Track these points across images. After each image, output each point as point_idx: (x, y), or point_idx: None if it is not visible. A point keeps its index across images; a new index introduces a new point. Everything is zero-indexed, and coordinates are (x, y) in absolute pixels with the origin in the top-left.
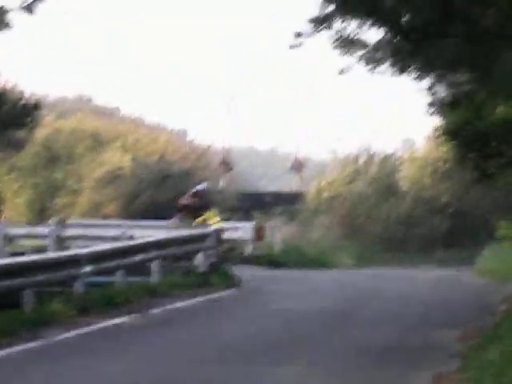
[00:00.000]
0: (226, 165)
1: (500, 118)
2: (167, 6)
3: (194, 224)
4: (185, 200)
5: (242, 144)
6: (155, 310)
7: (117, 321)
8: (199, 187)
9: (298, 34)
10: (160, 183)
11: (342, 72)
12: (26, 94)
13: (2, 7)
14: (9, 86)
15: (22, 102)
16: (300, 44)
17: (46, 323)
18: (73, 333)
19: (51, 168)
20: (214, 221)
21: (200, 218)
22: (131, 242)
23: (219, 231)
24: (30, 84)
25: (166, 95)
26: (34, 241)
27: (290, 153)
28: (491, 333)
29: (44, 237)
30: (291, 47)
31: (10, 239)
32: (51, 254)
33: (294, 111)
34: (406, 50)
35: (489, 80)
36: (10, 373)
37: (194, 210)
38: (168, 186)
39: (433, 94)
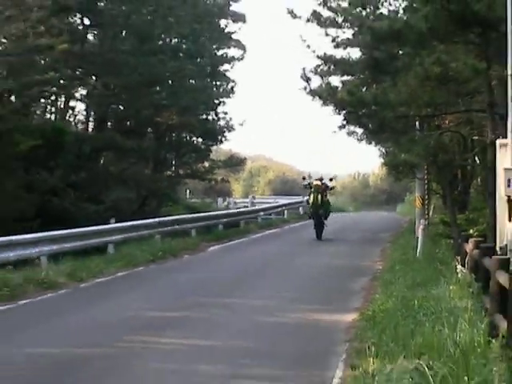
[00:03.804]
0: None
1: (402, 159)
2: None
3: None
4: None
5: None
6: (286, 227)
7: (271, 231)
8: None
9: (334, 132)
10: (284, 185)
11: (346, 147)
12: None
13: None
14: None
15: (238, 156)
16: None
17: (248, 232)
18: (257, 235)
19: (250, 179)
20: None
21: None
22: (277, 203)
23: (308, 199)
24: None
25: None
26: (243, 203)
27: (332, 173)
28: (400, 234)
29: (247, 202)
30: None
31: (235, 203)
32: (249, 208)
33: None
34: (368, 135)
35: (398, 146)
36: (226, 252)
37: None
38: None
39: (379, 150)
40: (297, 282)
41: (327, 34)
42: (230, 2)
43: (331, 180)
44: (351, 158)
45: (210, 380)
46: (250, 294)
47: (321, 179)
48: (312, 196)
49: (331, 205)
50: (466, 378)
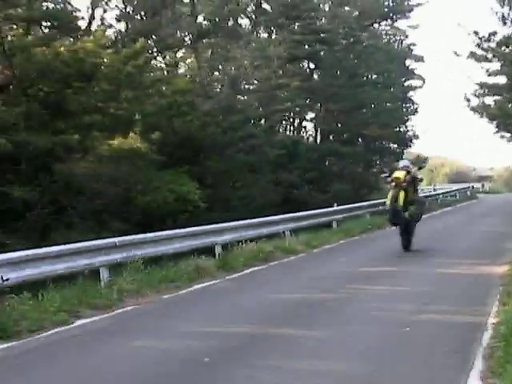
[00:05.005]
0: (473, 170)
1: None
2: None
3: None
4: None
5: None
6: (457, 205)
7: (447, 209)
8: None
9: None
10: (456, 175)
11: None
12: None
13: None
14: None
15: (422, 156)
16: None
17: (431, 210)
18: (437, 212)
19: (432, 173)
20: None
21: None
22: (451, 189)
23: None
24: None
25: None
26: (428, 189)
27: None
28: None
29: (430, 188)
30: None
31: (421, 190)
32: (432, 193)
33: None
34: None
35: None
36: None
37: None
38: (459, 177)
39: None
40: (464, 243)
41: (482, 67)
42: (412, 47)
43: (420, 169)
44: (504, 154)
45: (403, 314)
46: (433, 252)
47: (408, 171)
48: (390, 194)
49: (425, 203)
50: None
